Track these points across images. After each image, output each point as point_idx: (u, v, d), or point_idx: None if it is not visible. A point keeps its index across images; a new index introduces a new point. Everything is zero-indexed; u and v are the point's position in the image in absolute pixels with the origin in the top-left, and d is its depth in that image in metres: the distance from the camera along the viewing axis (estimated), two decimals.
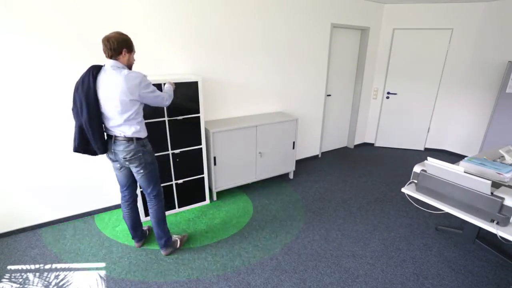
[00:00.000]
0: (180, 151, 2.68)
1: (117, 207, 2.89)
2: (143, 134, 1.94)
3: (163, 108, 2.46)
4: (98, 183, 2.72)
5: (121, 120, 1.82)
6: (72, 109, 1.82)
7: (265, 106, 3.56)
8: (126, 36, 1.80)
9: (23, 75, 2.19)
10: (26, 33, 2.11)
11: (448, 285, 2.02)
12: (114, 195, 2.84)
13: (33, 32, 2.13)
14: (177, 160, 2.69)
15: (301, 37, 3.55)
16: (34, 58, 2.19)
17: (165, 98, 1.97)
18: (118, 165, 2.01)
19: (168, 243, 2.24)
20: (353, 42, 4.28)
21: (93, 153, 1.91)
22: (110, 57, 1.77)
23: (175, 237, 2.36)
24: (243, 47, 3.13)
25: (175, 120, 2.56)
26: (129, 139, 1.88)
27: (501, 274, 2.12)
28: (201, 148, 2.78)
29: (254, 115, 3.41)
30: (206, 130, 2.86)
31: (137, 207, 2.25)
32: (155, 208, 2.14)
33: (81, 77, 1.76)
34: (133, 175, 2.10)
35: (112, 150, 1.91)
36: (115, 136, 1.88)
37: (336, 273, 2.12)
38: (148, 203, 2.16)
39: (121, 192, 2.15)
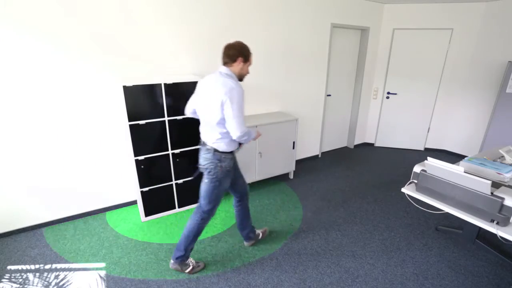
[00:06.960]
0: (180, 151, 2.68)
1: (117, 207, 2.89)
2: (223, 147, 1.85)
3: (162, 107, 2.46)
4: (98, 183, 2.72)
5: (207, 126, 1.86)
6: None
7: (265, 106, 3.56)
8: (246, 46, 1.83)
9: (24, 74, 2.18)
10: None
11: (448, 285, 2.02)
12: (114, 195, 2.84)
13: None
14: (177, 160, 2.69)
15: (301, 37, 3.55)
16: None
17: (241, 129, 1.76)
18: None
19: (182, 260, 2.06)
20: (353, 42, 4.27)
21: None
22: (224, 63, 1.83)
23: (192, 261, 2.14)
24: None
25: (175, 120, 2.56)
26: (208, 148, 1.87)
27: (501, 274, 2.12)
28: None
29: (254, 115, 3.41)
30: None
31: (245, 209, 2.23)
32: (195, 223, 1.99)
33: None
34: (235, 175, 2.09)
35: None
36: (202, 140, 1.94)
37: (336, 273, 2.12)
38: (192, 215, 2.04)
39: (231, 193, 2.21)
